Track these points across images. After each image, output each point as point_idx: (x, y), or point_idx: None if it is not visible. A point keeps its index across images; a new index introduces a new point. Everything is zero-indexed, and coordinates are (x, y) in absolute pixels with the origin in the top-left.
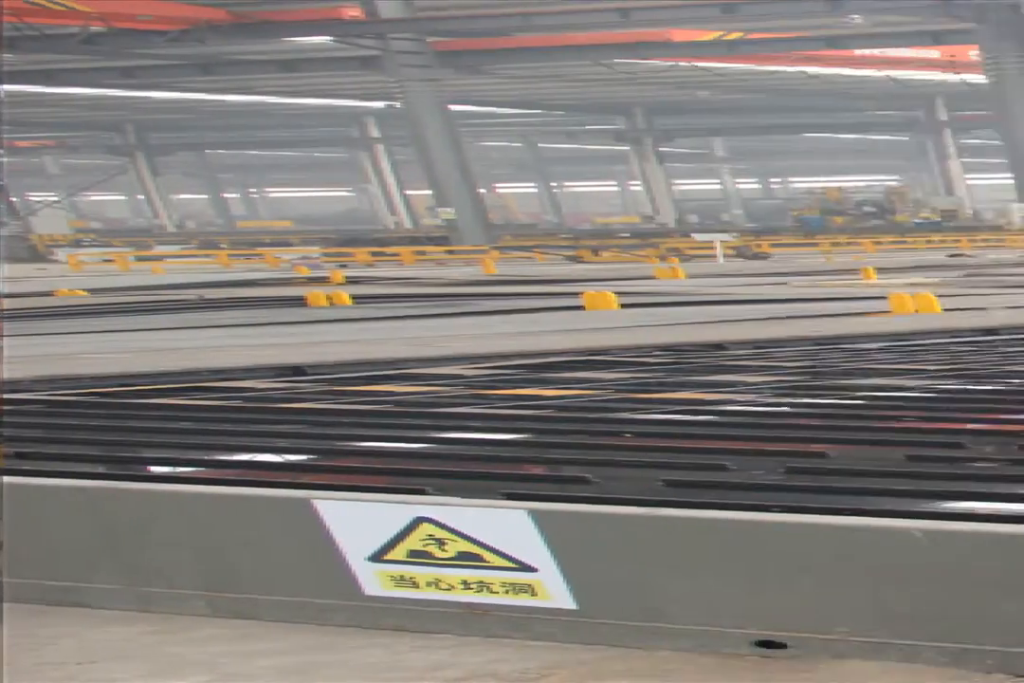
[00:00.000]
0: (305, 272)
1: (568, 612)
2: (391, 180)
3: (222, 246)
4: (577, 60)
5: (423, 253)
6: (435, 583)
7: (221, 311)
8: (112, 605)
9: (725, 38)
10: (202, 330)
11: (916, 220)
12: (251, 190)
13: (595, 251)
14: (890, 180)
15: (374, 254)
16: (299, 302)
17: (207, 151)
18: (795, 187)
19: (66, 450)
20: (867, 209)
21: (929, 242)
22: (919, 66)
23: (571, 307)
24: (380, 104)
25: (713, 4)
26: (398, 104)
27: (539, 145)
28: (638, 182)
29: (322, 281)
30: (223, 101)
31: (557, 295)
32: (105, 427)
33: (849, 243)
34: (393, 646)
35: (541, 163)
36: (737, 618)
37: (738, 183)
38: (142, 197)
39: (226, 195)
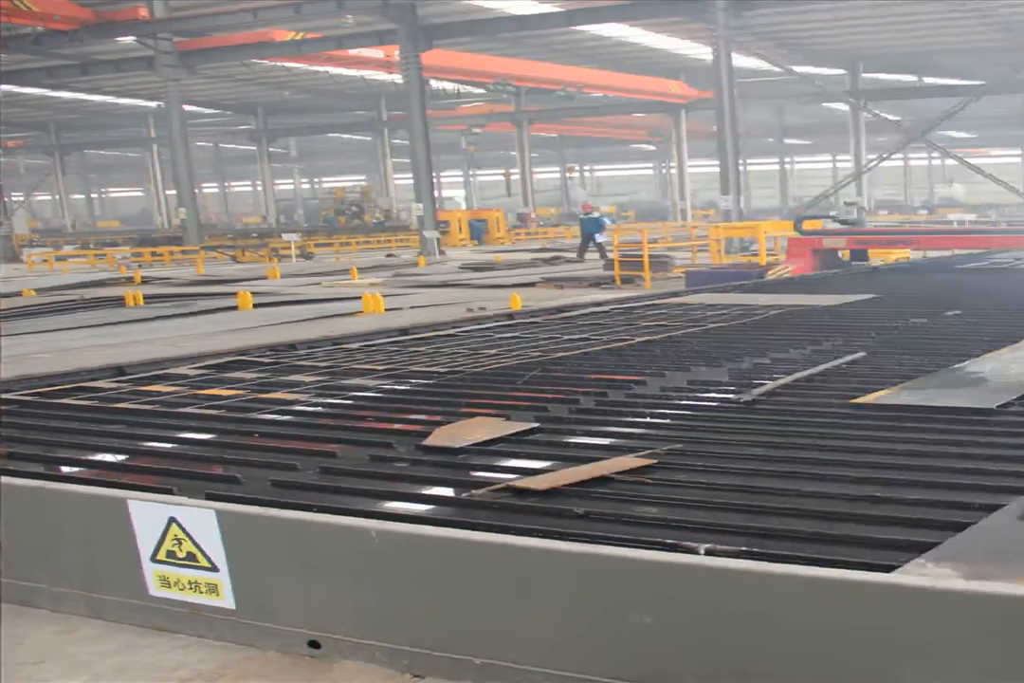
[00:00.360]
0: (124, 272)
1: (230, 612)
2: (159, 180)
3: (91, 246)
4: (229, 60)
5: (173, 253)
6: (177, 583)
7: (89, 311)
8: None
9: (296, 38)
10: (82, 330)
11: (374, 220)
12: (103, 189)
13: (243, 251)
14: (361, 180)
15: (152, 255)
16: (121, 301)
17: (86, 151)
18: (326, 187)
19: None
20: (354, 209)
21: (379, 242)
22: (376, 66)
23: (232, 307)
24: (153, 104)
25: (287, 4)
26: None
27: (220, 145)
28: (260, 182)
29: (130, 281)
30: (88, 100)
31: (227, 295)
32: (38, 427)
33: (345, 243)
34: (158, 646)
35: (219, 163)
36: (298, 618)
37: (301, 183)
38: (58, 197)
39: (93, 195)
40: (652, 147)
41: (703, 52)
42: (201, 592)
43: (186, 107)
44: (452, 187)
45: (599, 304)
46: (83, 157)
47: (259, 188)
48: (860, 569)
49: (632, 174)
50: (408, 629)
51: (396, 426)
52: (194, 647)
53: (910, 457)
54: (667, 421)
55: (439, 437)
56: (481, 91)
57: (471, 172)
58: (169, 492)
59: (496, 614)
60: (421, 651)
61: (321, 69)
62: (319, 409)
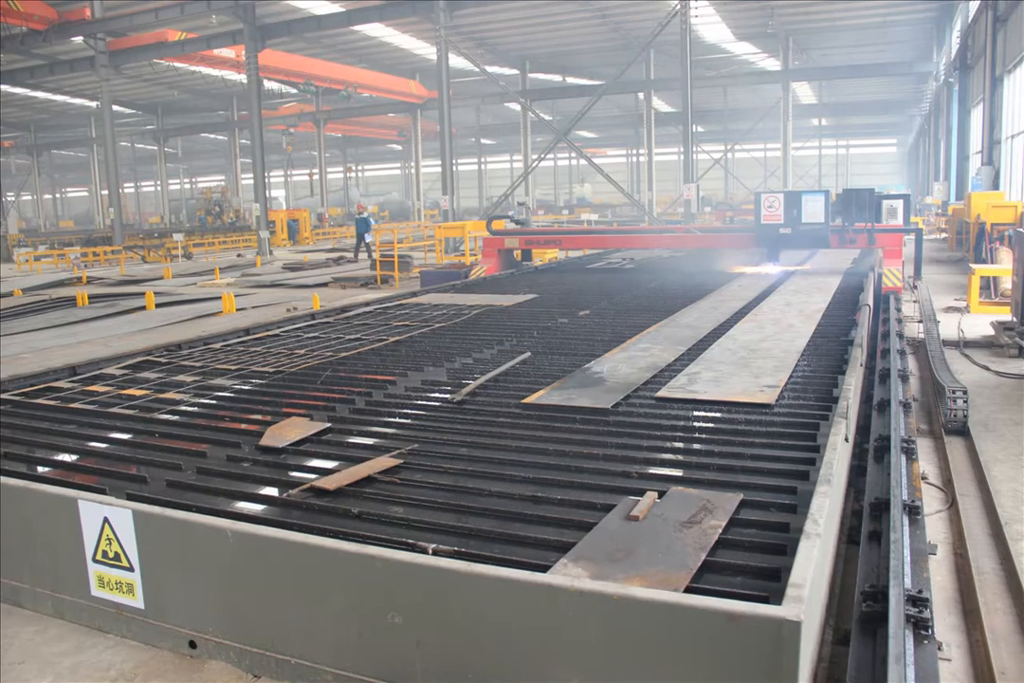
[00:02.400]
0: (76, 272)
1: (141, 612)
2: (98, 180)
3: (56, 246)
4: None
5: (106, 253)
6: (108, 583)
7: (55, 311)
8: None
9: (181, 39)
10: (49, 330)
11: (229, 219)
12: (63, 190)
13: (149, 251)
14: (220, 181)
15: (92, 255)
16: (74, 301)
17: (54, 151)
18: (199, 187)
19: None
20: (217, 209)
21: (232, 242)
22: (230, 66)
23: (142, 306)
24: (94, 104)
25: (175, 4)
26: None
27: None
28: (159, 182)
29: (80, 281)
30: (53, 100)
31: (138, 295)
32: (22, 427)
33: (210, 243)
34: (98, 646)
35: (133, 163)
36: (181, 618)
37: (184, 182)
38: (35, 197)
39: (57, 195)
40: (399, 147)
41: (432, 52)
42: (123, 592)
43: (113, 107)
44: (273, 187)
45: (367, 304)
46: (51, 158)
47: (158, 188)
48: (526, 569)
49: (389, 174)
50: (247, 629)
51: (242, 426)
52: (119, 647)
53: (559, 457)
54: (408, 421)
55: (269, 437)
56: (294, 91)
57: (289, 172)
58: (103, 492)
59: (304, 614)
60: (256, 651)
61: (196, 69)
62: (195, 409)
